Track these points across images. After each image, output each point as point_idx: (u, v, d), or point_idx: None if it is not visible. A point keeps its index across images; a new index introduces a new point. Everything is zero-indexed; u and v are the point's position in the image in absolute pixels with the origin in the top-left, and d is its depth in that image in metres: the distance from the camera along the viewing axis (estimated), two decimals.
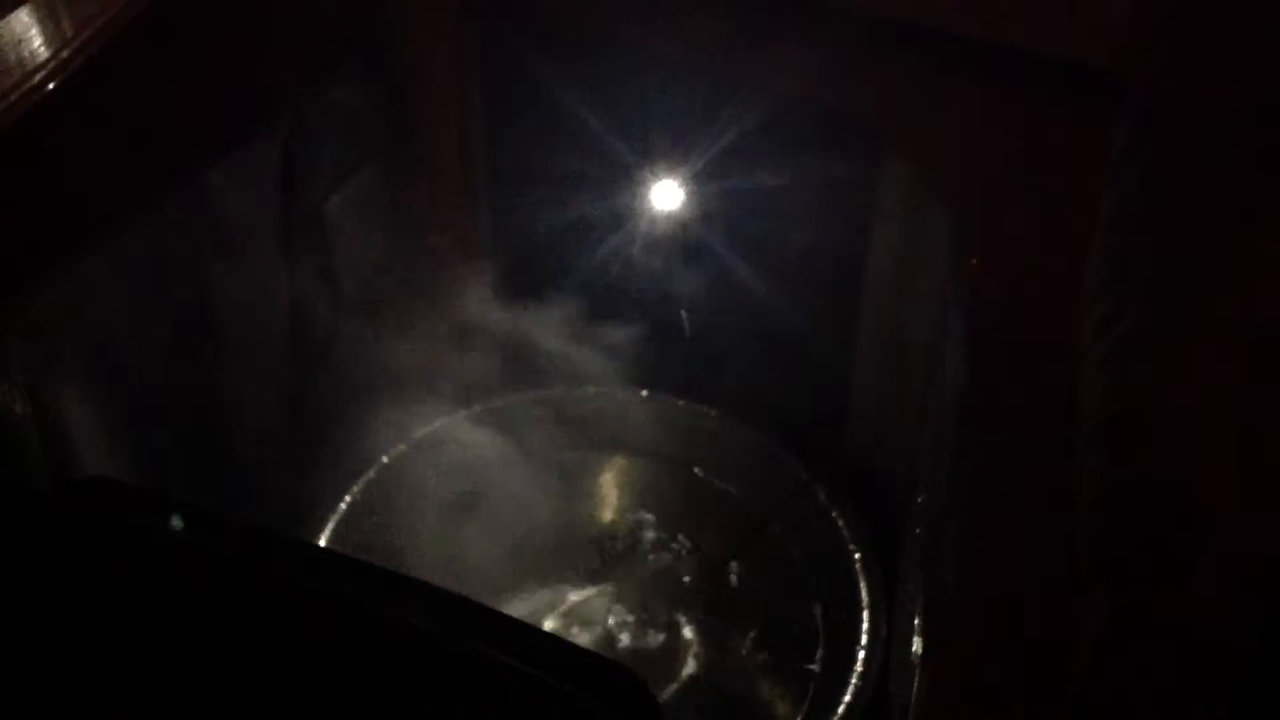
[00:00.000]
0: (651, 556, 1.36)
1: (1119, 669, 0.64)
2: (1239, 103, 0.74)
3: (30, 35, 1.05)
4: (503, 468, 1.39)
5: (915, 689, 0.85)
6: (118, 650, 0.79)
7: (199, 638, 0.78)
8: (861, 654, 1.21)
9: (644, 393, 1.41)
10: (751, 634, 1.29)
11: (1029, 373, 1.01)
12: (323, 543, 1.30)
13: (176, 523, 0.86)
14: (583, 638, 1.30)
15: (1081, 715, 0.65)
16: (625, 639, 1.30)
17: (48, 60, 1.05)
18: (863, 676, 1.19)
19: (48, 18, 1.07)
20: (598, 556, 1.36)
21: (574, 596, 1.33)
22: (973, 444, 0.95)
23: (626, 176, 1.30)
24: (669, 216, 1.33)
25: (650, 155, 1.28)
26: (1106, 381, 0.68)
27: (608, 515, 1.40)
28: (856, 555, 1.27)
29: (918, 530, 1.03)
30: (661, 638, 1.30)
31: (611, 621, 1.31)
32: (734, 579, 1.33)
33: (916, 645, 0.93)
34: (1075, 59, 1.13)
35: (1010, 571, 0.88)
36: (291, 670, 0.78)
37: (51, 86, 1.05)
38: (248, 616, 0.80)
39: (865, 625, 1.22)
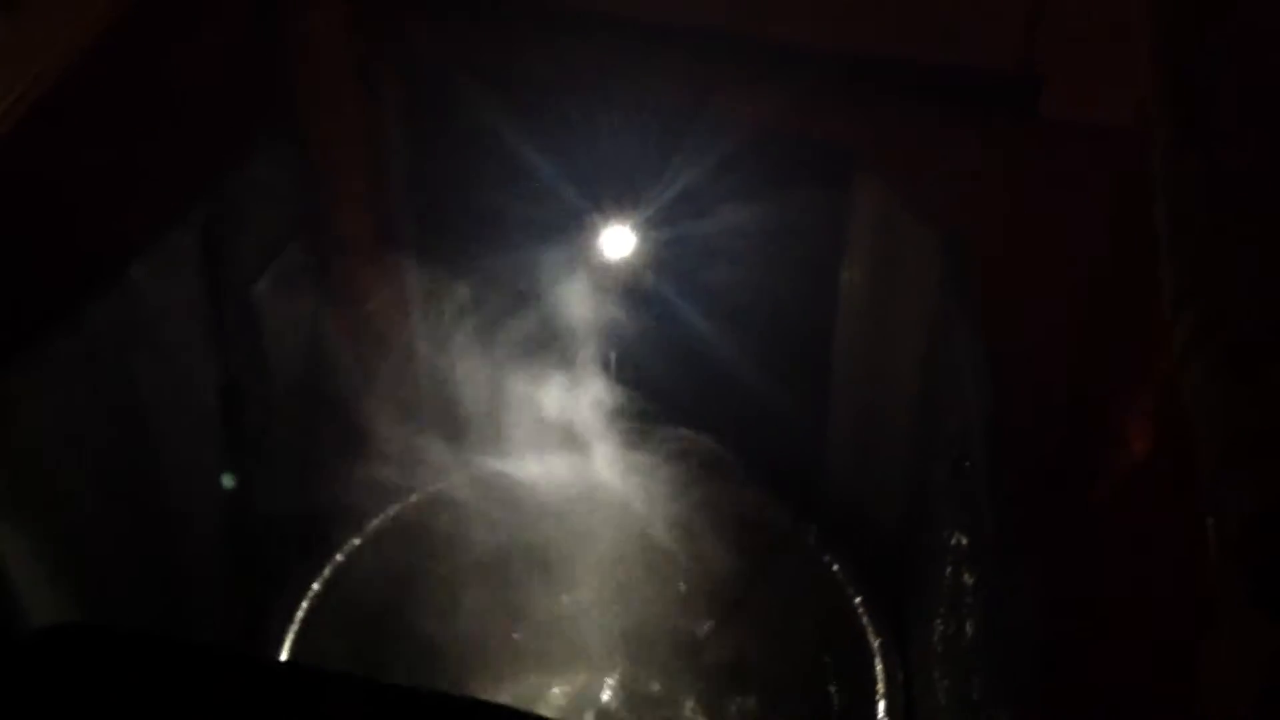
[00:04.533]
0: (640, 627, 1.28)
1: None
2: None
3: None
4: (464, 551, 1.30)
5: None
6: None
7: None
8: (882, 703, 1.14)
9: (608, 450, 1.33)
10: (758, 696, 1.23)
11: (1048, 393, 0.98)
12: (284, 655, 1.19)
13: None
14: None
15: None
16: (628, 715, 1.22)
17: None
18: None
19: None
20: (581, 631, 1.28)
21: (562, 678, 1.25)
22: (1010, 474, 0.90)
23: (575, 223, 1.23)
24: (622, 263, 1.27)
25: (600, 198, 1.21)
26: (1229, 391, 0.63)
27: (590, 583, 1.32)
28: (857, 599, 1.21)
29: (952, 570, 0.98)
30: (664, 709, 1.23)
31: (608, 699, 1.23)
32: (731, 640, 1.27)
33: (982, 695, 0.88)
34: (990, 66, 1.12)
35: (1081, 610, 0.83)
36: None
37: None
38: None
39: (879, 670, 1.16)
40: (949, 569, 0.99)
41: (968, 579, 0.92)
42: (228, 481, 1.22)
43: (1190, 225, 0.71)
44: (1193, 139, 0.73)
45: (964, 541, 0.95)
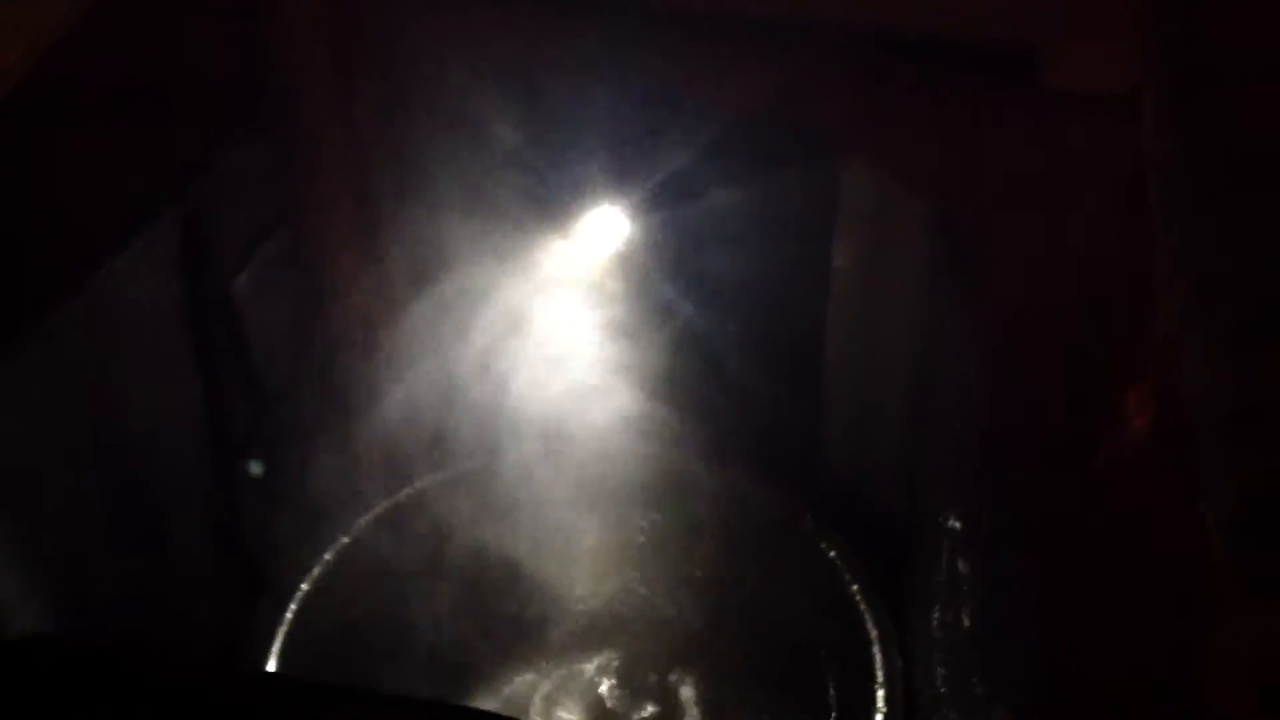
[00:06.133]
0: (633, 618, 1.26)
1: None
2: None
3: None
4: (455, 547, 1.28)
5: None
6: None
7: None
8: (880, 692, 1.13)
9: (600, 440, 1.31)
10: (753, 686, 1.21)
11: (1047, 368, 0.95)
12: (273, 659, 1.17)
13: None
14: (574, 714, 1.20)
15: None
16: (619, 711, 1.20)
17: None
18: (887, 716, 1.11)
19: None
20: (575, 625, 1.26)
21: (558, 670, 1.23)
22: (1007, 456, 0.88)
23: (561, 208, 1.21)
24: (610, 248, 1.24)
25: (586, 183, 1.19)
26: (1222, 368, 0.61)
27: (581, 579, 1.30)
28: (854, 587, 1.19)
29: (948, 556, 0.96)
30: (656, 706, 1.21)
31: (602, 693, 1.21)
32: (726, 630, 1.25)
33: (982, 686, 0.86)
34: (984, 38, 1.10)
35: (1080, 598, 0.81)
36: None
37: None
38: None
39: (879, 661, 1.14)
40: (946, 555, 0.97)
41: (963, 566, 0.90)
42: (213, 485, 1.21)
43: (1182, 198, 0.69)
44: (1182, 113, 0.71)
45: (959, 526, 0.93)
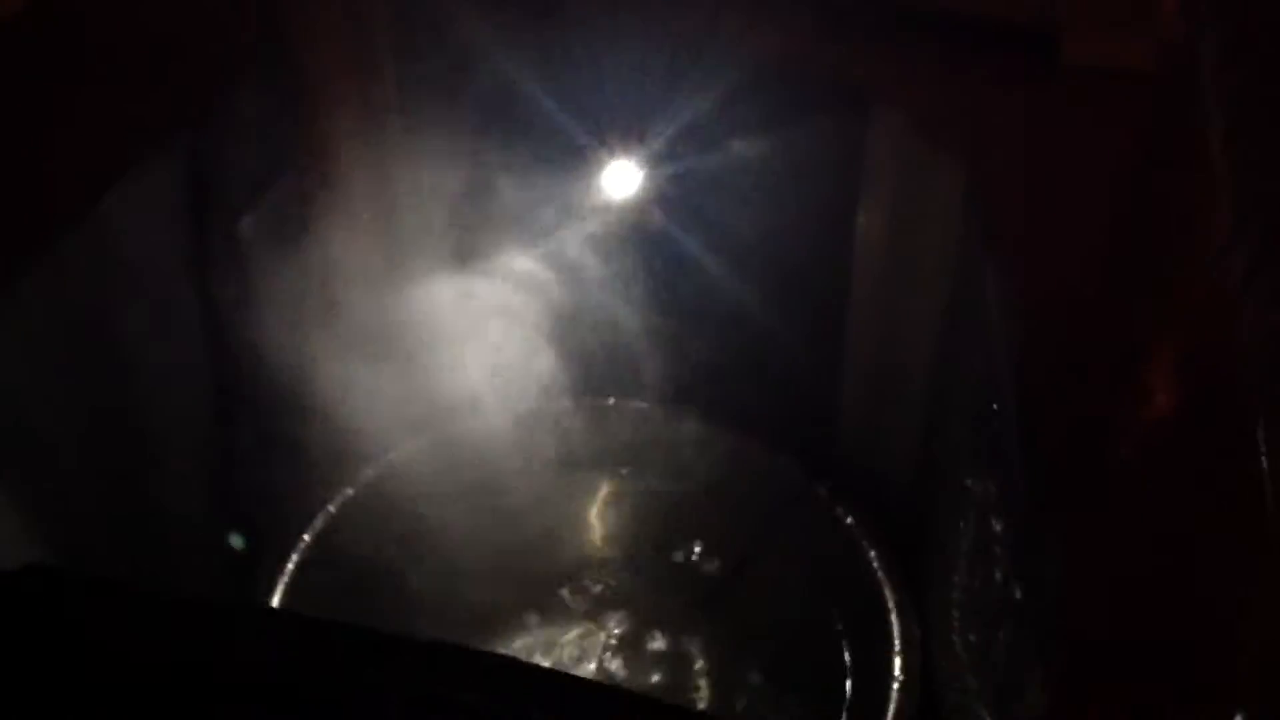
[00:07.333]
0: (647, 580, 1.23)
1: None
2: None
3: None
4: (467, 498, 1.24)
5: (1040, 701, 0.75)
6: None
7: None
8: (898, 660, 1.10)
9: (611, 401, 1.28)
10: (769, 654, 1.18)
11: (1070, 343, 0.92)
12: (276, 601, 1.14)
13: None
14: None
15: None
16: (629, 674, 1.17)
17: None
18: (904, 686, 1.08)
19: None
20: (588, 585, 1.23)
21: (566, 631, 1.20)
22: (1042, 424, 0.85)
23: (579, 161, 1.17)
24: (627, 203, 1.21)
25: (606, 132, 1.15)
26: None
27: (594, 539, 1.27)
28: (872, 553, 1.16)
29: (978, 519, 0.93)
30: (668, 669, 1.18)
31: (611, 656, 1.18)
32: (740, 595, 1.22)
33: (1006, 650, 0.83)
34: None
35: (1113, 561, 0.78)
36: None
37: None
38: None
39: (896, 628, 1.12)
40: (973, 519, 0.94)
41: (996, 526, 0.87)
42: (213, 431, 1.18)
43: (1246, 140, 0.66)
44: (1243, 49, 0.68)
45: (992, 489, 0.89)
